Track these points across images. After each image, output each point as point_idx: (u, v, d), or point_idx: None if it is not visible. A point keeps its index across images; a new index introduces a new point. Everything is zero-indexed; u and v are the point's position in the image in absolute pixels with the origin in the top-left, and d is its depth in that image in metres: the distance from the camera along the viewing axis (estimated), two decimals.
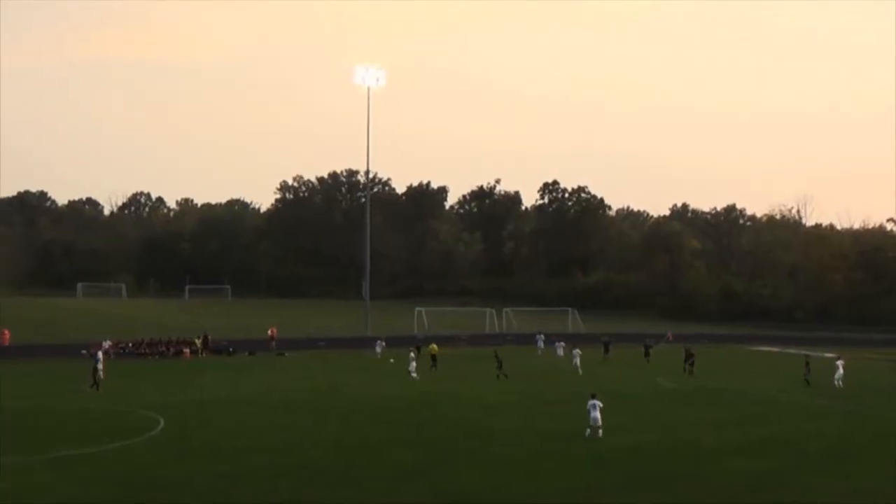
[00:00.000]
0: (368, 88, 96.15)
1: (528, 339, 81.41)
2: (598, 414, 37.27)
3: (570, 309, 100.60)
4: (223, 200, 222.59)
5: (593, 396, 37.99)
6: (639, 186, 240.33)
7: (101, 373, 52.25)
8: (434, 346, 65.04)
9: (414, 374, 57.49)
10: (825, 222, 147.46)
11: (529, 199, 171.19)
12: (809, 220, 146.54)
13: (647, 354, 62.11)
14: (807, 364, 59.64)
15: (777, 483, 30.57)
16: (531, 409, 46.17)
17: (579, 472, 31.63)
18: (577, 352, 64.74)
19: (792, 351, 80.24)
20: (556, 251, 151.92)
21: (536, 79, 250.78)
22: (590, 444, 36.00)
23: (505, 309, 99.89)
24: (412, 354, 60.03)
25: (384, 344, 73.03)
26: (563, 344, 75.04)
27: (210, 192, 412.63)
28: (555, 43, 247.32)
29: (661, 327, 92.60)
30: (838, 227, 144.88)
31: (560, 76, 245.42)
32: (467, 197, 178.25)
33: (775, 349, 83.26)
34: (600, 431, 37.02)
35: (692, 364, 61.48)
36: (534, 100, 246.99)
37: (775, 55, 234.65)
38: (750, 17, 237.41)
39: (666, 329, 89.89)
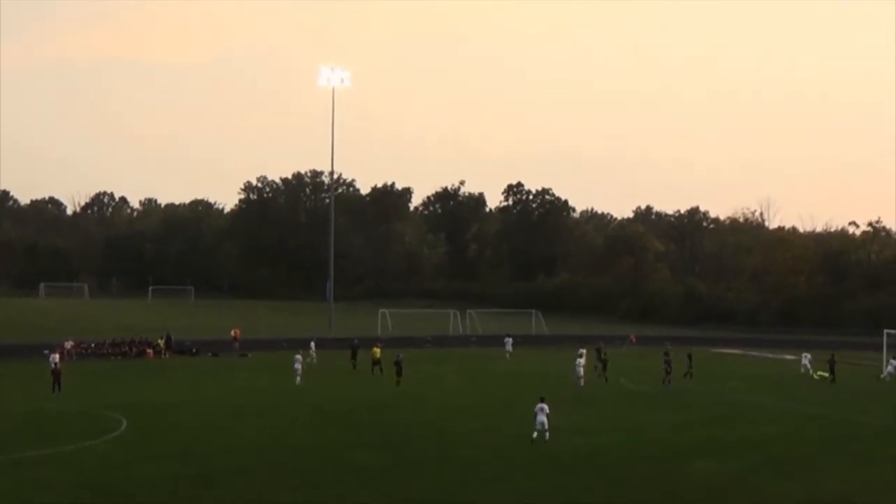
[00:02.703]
0: (333, 89, 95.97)
1: (493, 342, 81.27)
2: (544, 418, 37.13)
3: (533, 311, 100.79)
4: (187, 201, 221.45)
5: (542, 400, 37.83)
6: (603, 189, 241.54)
7: (53, 372, 50.95)
8: (377, 349, 63.09)
9: (298, 379, 55.95)
10: (788, 225, 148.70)
11: (494, 200, 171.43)
12: (772, 223, 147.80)
13: (600, 359, 61.42)
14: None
15: (742, 485, 30.72)
16: (496, 412, 46.14)
17: (543, 475, 31.64)
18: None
19: (755, 353, 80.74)
20: (520, 253, 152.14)
21: (501, 80, 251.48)
22: (554, 447, 35.97)
23: (469, 311, 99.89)
24: (298, 356, 58.07)
25: (313, 346, 68.80)
26: (511, 339, 75.98)
27: (174, 192, 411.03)
28: (519, 44, 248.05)
29: (625, 329, 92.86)
30: (801, 230, 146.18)
31: (525, 77, 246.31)
32: (431, 198, 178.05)
33: (738, 351, 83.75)
34: (547, 434, 36.87)
35: (689, 367, 61.30)
36: (498, 101, 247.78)
37: (738, 56, 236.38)
38: (712, 17, 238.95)
39: (629, 331, 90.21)
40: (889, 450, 38.23)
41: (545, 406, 37.58)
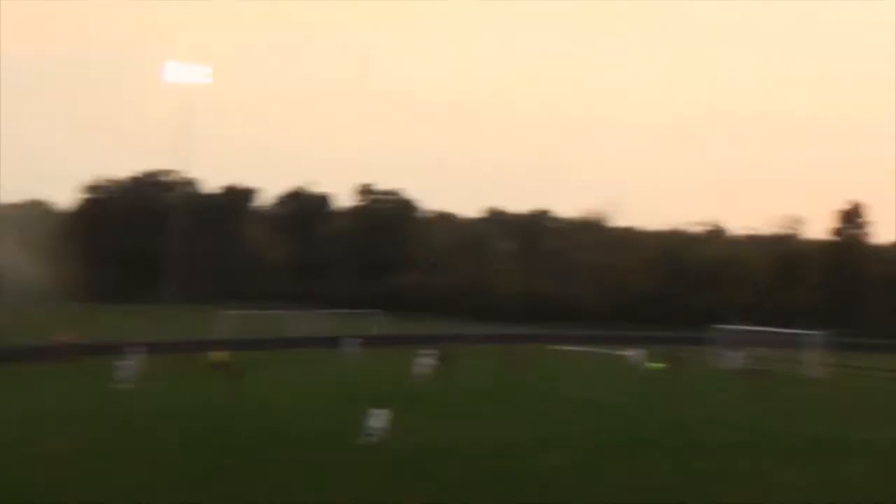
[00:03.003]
0: (181, 87, 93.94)
1: (339, 343, 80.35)
2: (375, 422, 37.47)
3: (380, 311, 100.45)
4: (20, 200, 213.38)
5: (380, 406, 38.03)
6: (450, 189, 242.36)
7: None
8: (216, 353, 61.65)
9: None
10: (630, 224, 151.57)
11: (342, 200, 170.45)
12: (615, 223, 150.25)
13: (443, 360, 61.55)
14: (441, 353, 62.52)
15: (572, 478, 30.98)
16: (340, 413, 45.61)
17: (375, 474, 31.46)
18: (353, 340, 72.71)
19: (598, 350, 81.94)
20: (367, 253, 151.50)
21: (350, 79, 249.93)
22: (389, 446, 35.83)
23: (315, 311, 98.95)
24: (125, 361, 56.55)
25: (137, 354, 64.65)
26: (358, 341, 75.78)
27: (7, 191, 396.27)
28: (370, 43, 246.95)
29: (471, 328, 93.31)
30: (643, 230, 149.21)
31: (375, 77, 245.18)
32: (279, 198, 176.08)
33: (581, 348, 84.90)
34: (375, 438, 36.83)
35: (678, 366, 63.31)
36: (347, 101, 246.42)
37: (580, 57, 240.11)
38: (562, 17, 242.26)
39: (475, 330, 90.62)
40: (708, 439, 39.39)
41: (383, 411, 37.63)
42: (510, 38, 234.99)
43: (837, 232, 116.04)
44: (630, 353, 71.41)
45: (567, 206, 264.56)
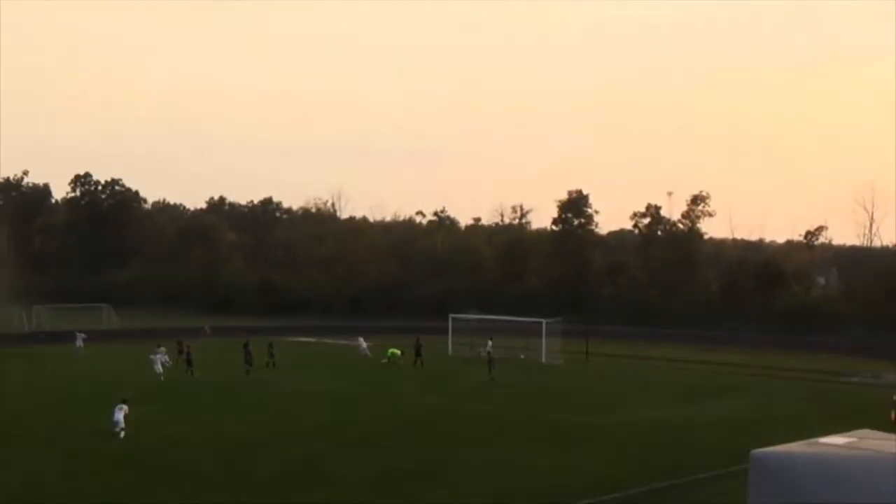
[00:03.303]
0: None
1: (64, 338, 78.08)
2: (120, 416, 37.47)
3: (104, 305, 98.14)
4: None
5: (123, 401, 38.25)
6: (175, 179, 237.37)
7: None
8: None
9: None
10: (359, 215, 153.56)
11: (60, 191, 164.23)
12: (344, 213, 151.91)
13: (180, 353, 61.31)
14: (270, 346, 63.40)
15: (314, 470, 31.88)
16: (69, 409, 44.83)
17: (117, 471, 31.37)
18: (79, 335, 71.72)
19: (329, 340, 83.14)
20: (89, 246, 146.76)
21: (64, 63, 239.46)
22: (128, 441, 35.81)
23: (36, 306, 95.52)
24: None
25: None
26: (82, 335, 73.68)
27: None
28: (86, 28, 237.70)
29: (200, 321, 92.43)
30: (371, 220, 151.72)
31: (96, 64, 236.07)
32: None
33: (313, 339, 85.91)
34: (122, 433, 37.02)
35: (419, 355, 64.21)
36: (63, 85, 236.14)
37: (303, 50, 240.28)
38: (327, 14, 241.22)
39: (204, 323, 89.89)
40: (450, 425, 41.13)
41: (124, 406, 37.80)
42: (219, 29, 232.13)
43: (562, 221, 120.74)
44: (364, 343, 72.82)
45: (293, 196, 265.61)
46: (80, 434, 37.95)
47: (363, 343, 72.45)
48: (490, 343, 61.47)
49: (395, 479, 30.62)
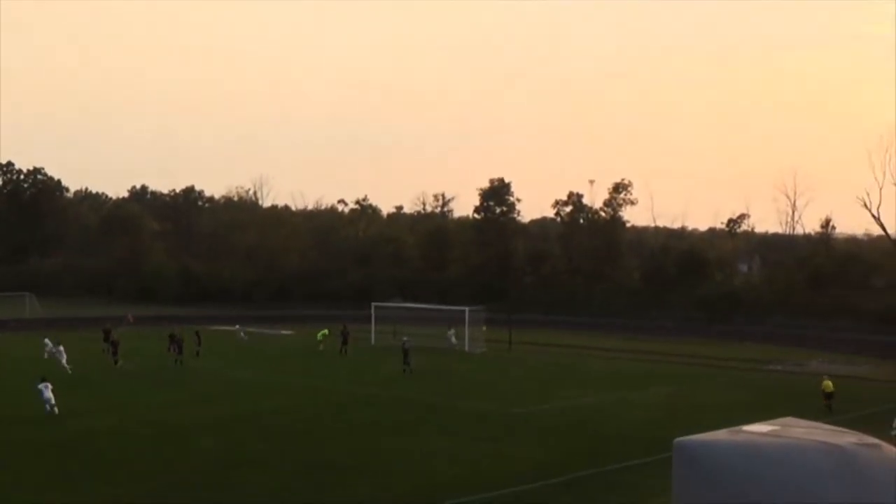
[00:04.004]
0: None
1: None
2: (50, 394, 38.49)
3: (27, 294, 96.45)
4: None
5: (43, 380, 39.06)
6: (97, 168, 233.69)
7: None
8: None
9: None
10: (281, 203, 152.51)
11: None
12: (266, 202, 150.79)
13: (106, 339, 60.55)
14: (197, 335, 63.33)
15: (241, 459, 31.66)
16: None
17: (43, 460, 31.01)
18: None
19: (252, 330, 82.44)
20: (10, 235, 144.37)
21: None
22: (53, 430, 35.39)
23: None
24: None
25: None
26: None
27: None
28: (18, 24, 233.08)
29: (123, 310, 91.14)
30: (294, 208, 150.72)
31: (14, 55, 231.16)
32: None
33: (236, 328, 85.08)
34: (56, 409, 37.67)
35: (345, 343, 64.61)
36: None
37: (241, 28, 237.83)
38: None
39: (127, 311, 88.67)
40: (374, 415, 41.07)
41: (48, 383, 39.08)
42: (142, 15, 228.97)
43: (484, 209, 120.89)
44: (290, 332, 72.54)
45: (216, 184, 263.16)
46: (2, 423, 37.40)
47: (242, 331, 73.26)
48: (406, 339, 60.96)
49: (321, 469, 30.54)
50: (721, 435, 17.89)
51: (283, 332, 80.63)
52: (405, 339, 59.48)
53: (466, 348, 67.28)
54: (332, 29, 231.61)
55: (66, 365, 54.06)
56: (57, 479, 28.75)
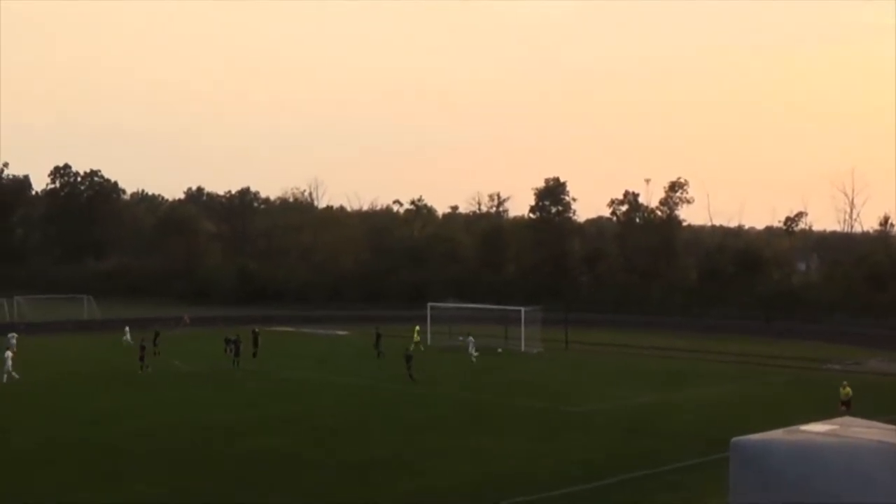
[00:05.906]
0: None
1: (44, 329, 77.31)
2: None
3: (85, 296, 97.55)
4: None
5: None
6: (154, 170, 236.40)
7: None
8: None
9: None
10: (336, 204, 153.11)
11: (40, 183, 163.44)
12: (321, 203, 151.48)
13: (155, 343, 60.66)
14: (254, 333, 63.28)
15: (290, 459, 31.75)
16: (46, 399, 44.58)
17: (94, 459, 31.33)
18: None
19: (307, 330, 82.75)
20: (68, 237, 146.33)
21: (44, 56, 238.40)
22: (104, 430, 35.78)
23: (16, 297, 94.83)
24: None
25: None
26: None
27: None
28: (60, 17, 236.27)
29: (179, 311, 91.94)
30: (348, 209, 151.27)
31: (74, 60, 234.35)
32: None
33: (291, 329, 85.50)
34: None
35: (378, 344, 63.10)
36: (42, 78, 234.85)
37: (288, 38, 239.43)
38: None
39: (183, 312, 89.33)
40: (426, 414, 41.08)
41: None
42: (201, 23, 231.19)
43: (539, 209, 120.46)
44: (345, 332, 72.50)
45: (271, 185, 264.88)
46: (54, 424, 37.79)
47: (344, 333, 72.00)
48: (461, 338, 60.02)
49: (370, 468, 30.55)
50: (778, 434, 17.68)
51: (339, 332, 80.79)
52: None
53: (522, 348, 67.01)
54: (389, 32, 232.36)
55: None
56: (102, 479, 29.01)
